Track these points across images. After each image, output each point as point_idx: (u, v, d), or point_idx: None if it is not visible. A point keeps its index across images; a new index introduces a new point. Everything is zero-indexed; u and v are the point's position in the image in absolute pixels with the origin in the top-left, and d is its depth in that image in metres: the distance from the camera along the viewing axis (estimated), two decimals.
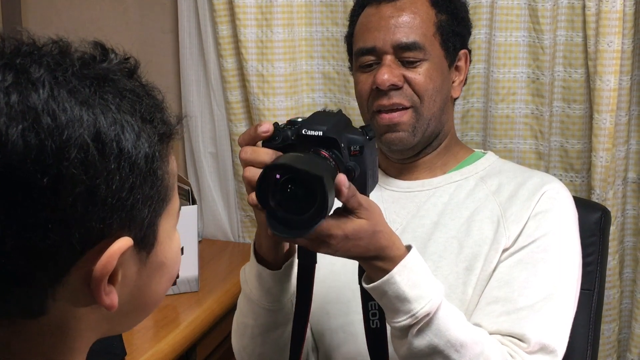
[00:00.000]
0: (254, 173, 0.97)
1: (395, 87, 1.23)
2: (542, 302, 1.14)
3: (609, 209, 1.63)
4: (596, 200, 1.63)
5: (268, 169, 0.91)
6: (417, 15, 1.26)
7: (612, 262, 1.67)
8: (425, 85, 1.24)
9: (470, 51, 1.36)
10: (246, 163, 1.01)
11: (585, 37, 1.63)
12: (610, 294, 1.68)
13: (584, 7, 1.61)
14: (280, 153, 1.00)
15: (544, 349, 1.11)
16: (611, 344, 1.71)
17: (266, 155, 1.00)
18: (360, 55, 1.27)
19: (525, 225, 1.21)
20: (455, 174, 1.31)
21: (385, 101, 1.23)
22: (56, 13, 2.08)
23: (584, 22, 1.62)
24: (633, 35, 1.61)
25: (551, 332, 1.13)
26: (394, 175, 1.34)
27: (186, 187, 1.73)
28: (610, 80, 1.59)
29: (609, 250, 1.65)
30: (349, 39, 1.35)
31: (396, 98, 1.23)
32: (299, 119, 1.02)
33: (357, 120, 1.46)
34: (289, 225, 0.92)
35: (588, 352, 1.40)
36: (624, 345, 1.76)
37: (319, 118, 1.02)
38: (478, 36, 1.71)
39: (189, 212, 1.67)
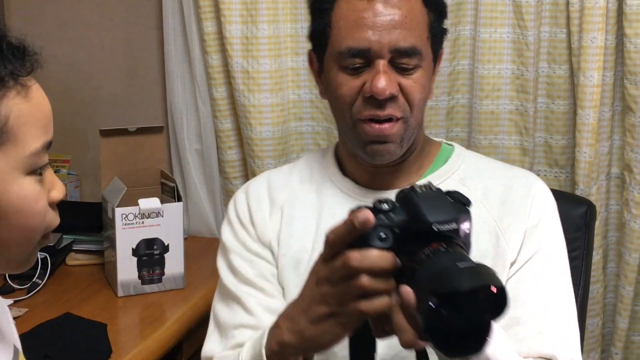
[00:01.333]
0: (375, 285, 0.84)
1: (391, 97, 1.11)
2: (562, 317, 1.14)
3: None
4: (580, 196, 1.64)
5: (459, 295, 0.76)
6: (413, 14, 1.13)
7: (596, 257, 1.68)
8: (418, 95, 1.14)
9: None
10: (358, 271, 0.85)
11: (569, 34, 1.64)
12: (595, 289, 1.70)
13: (567, 3, 1.62)
14: (392, 255, 0.85)
15: None
16: (595, 338, 1.72)
17: (383, 260, 0.85)
18: (349, 57, 1.12)
19: (524, 235, 1.16)
20: (432, 177, 1.22)
21: (379, 112, 1.12)
22: (40, 11, 2.07)
23: (568, 18, 1.63)
24: (616, 32, 1.62)
25: (574, 345, 1.14)
26: (366, 184, 1.22)
27: (171, 184, 1.72)
28: (594, 77, 1.60)
29: (594, 246, 1.67)
30: (321, 29, 1.17)
31: (391, 109, 1.12)
32: (386, 204, 0.86)
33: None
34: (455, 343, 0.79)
35: None
36: (608, 340, 1.77)
37: (432, 203, 0.85)
38: (463, 32, 1.72)
39: (174, 209, 1.66)
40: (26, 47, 0.77)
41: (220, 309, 1.22)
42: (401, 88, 1.12)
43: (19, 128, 0.73)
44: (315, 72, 1.23)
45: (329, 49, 1.15)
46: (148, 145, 1.79)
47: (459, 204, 0.87)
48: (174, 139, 1.95)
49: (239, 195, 1.28)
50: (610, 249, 1.75)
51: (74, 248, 1.83)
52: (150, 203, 1.64)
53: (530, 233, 1.16)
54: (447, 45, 1.70)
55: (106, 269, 1.75)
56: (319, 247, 1.12)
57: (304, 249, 1.19)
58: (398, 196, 0.89)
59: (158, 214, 1.65)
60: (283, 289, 1.20)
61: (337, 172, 1.24)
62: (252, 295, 1.18)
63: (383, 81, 1.09)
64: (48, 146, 0.78)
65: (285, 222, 1.22)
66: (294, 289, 1.13)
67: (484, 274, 0.78)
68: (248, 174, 1.86)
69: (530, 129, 1.71)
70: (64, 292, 1.66)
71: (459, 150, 1.26)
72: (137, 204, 1.63)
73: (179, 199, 1.69)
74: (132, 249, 1.64)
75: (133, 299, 1.65)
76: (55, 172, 2.24)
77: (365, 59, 1.12)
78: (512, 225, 1.16)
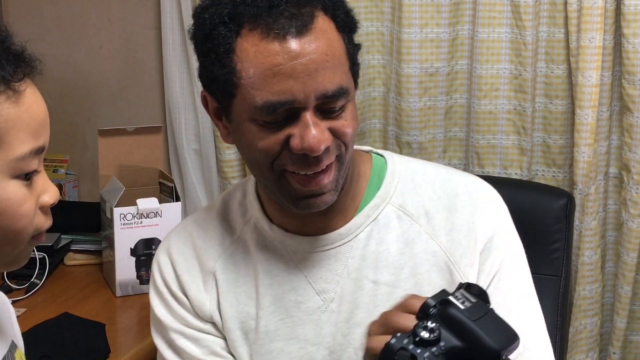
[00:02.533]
0: None
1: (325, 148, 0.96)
2: (534, 329, 1.10)
3: (591, 203, 1.65)
4: (579, 195, 1.64)
5: None
6: (332, 48, 0.96)
7: (594, 256, 1.68)
8: (352, 132, 0.99)
9: None
10: None
11: (567, 34, 1.64)
12: (593, 288, 1.70)
13: (565, 3, 1.62)
14: None
15: None
16: (593, 338, 1.73)
17: None
18: (268, 113, 0.94)
19: (479, 263, 1.07)
20: (370, 208, 1.08)
21: (315, 167, 0.97)
22: (37, 9, 2.06)
23: (566, 18, 1.63)
24: (614, 32, 1.62)
25: (549, 355, 1.11)
26: (297, 230, 1.08)
27: (170, 184, 1.72)
28: (592, 76, 1.60)
29: (591, 245, 1.67)
30: (223, 76, 0.96)
31: (326, 159, 0.97)
32: (429, 333, 0.75)
33: None
34: None
35: (557, 338, 1.42)
36: (606, 339, 1.77)
37: (485, 322, 0.76)
38: (461, 32, 1.72)
39: (173, 209, 1.66)
40: (24, 52, 0.78)
41: None
42: (332, 132, 0.97)
43: (6, 132, 0.74)
44: (213, 114, 1.06)
45: (239, 100, 0.97)
46: (146, 145, 1.79)
47: (486, 300, 0.79)
48: (172, 138, 1.95)
49: (163, 259, 1.13)
50: (608, 248, 1.76)
51: (72, 248, 1.83)
52: (148, 203, 1.64)
53: (487, 256, 1.07)
54: (445, 45, 1.71)
55: (104, 268, 1.74)
56: (263, 313, 1.08)
57: (249, 316, 1.09)
58: (436, 314, 0.77)
59: (156, 213, 1.64)
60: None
61: (262, 218, 1.10)
62: None
63: (315, 136, 0.94)
64: (39, 151, 0.78)
65: (222, 291, 1.10)
66: (246, 359, 1.09)
67: None
68: (246, 173, 1.86)
69: (529, 129, 1.71)
70: (62, 292, 1.66)
71: (391, 166, 1.11)
72: (135, 204, 1.63)
73: (177, 199, 1.69)
74: (131, 248, 1.64)
75: (131, 299, 1.65)
76: (53, 171, 2.24)
77: (287, 111, 0.95)
78: (465, 257, 1.06)
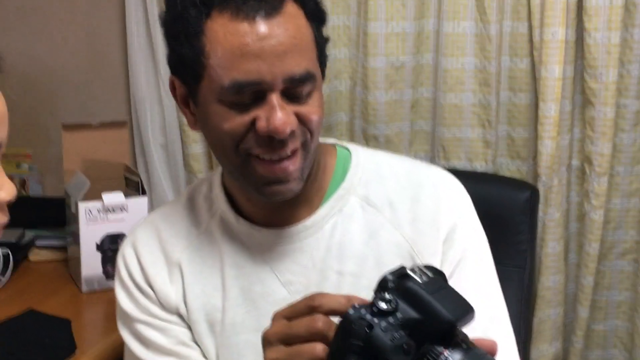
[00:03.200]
0: None
1: (291, 132, 0.96)
2: (498, 319, 1.10)
3: (554, 195, 1.68)
4: (542, 188, 1.66)
5: None
6: (301, 33, 0.97)
7: (557, 247, 1.71)
8: (318, 120, 0.99)
9: None
10: None
11: (530, 28, 1.66)
12: (556, 279, 1.73)
13: None
14: None
15: None
16: (557, 328, 1.75)
17: None
18: (235, 92, 0.95)
19: (442, 254, 1.08)
20: (335, 200, 1.09)
21: (280, 152, 0.97)
22: (0, 3, 2.03)
23: (529, 12, 1.65)
24: (576, 26, 1.65)
25: (512, 346, 1.11)
26: (264, 222, 1.08)
27: (136, 179, 1.71)
28: (555, 70, 1.62)
29: (554, 236, 1.70)
30: (192, 57, 0.97)
31: (291, 144, 0.97)
32: (387, 304, 0.76)
33: None
34: None
35: (521, 328, 1.44)
36: (570, 329, 1.80)
37: (442, 295, 0.77)
38: (427, 26, 1.73)
39: (139, 204, 1.65)
40: None
41: None
42: (298, 117, 0.97)
43: None
44: (180, 100, 1.06)
45: (206, 82, 0.97)
46: (111, 139, 1.77)
47: (444, 279, 0.80)
48: (138, 133, 1.94)
49: (128, 252, 1.13)
50: (571, 239, 1.79)
51: (36, 244, 1.81)
52: (114, 198, 1.63)
53: (449, 245, 1.08)
54: (411, 38, 1.72)
55: (70, 264, 1.73)
56: (229, 305, 1.08)
57: (215, 308, 1.09)
58: (393, 288, 0.78)
59: (122, 208, 1.63)
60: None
61: (229, 210, 1.10)
62: None
63: (281, 118, 0.94)
64: None
65: (188, 282, 1.10)
66: (213, 351, 1.09)
67: None
68: (213, 167, 1.85)
69: (493, 122, 1.73)
70: (26, 288, 1.64)
71: (356, 157, 1.12)
72: (101, 199, 1.62)
73: (144, 193, 1.68)
74: (96, 244, 1.63)
75: (97, 295, 1.63)
76: (16, 166, 2.20)
77: (254, 93, 0.95)
78: (428, 247, 1.07)
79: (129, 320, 1.12)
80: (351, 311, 0.76)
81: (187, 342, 1.10)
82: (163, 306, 1.11)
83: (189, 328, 1.11)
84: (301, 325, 0.81)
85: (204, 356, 1.10)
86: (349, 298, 0.81)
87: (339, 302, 0.81)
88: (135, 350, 1.11)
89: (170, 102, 1.89)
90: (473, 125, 1.74)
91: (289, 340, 0.82)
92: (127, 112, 1.97)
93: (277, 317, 0.85)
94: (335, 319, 0.80)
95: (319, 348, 0.79)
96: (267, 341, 0.84)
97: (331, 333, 0.79)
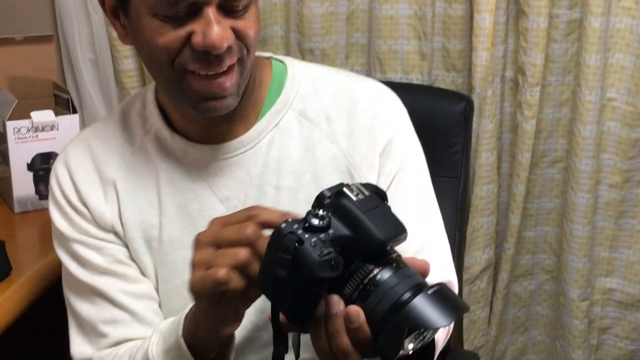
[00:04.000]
0: None
1: (228, 47, 0.95)
2: (435, 234, 1.12)
3: (488, 106, 1.70)
4: (476, 99, 1.68)
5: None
6: None
7: (490, 158, 1.75)
8: (254, 35, 0.97)
9: None
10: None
11: None
12: (489, 188, 1.77)
13: None
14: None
15: (450, 286, 1.12)
16: (489, 235, 1.81)
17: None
18: (170, 5, 0.91)
19: (379, 166, 1.08)
20: (271, 115, 1.08)
21: (216, 67, 0.95)
22: None
23: None
24: None
25: (448, 261, 1.13)
26: (199, 138, 1.07)
27: (65, 96, 1.66)
28: None
29: (488, 147, 1.73)
30: None
31: (228, 59, 0.95)
32: (319, 220, 0.75)
33: None
34: None
35: (456, 236, 1.49)
36: (502, 236, 1.86)
37: (375, 214, 0.77)
38: None
39: (70, 122, 1.61)
40: None
41: (80, 306, 1.09)
42: (235, 32, 0.95)
43: None
44: (109, 11, 1.01)
45: None
46: (37, 55, 1.71)
47: (384, 197, 0.81)
48: (65, 48, 1.87)
49: (61, 171, 1.11)
50: (504, 150, 1.82)
51: None
52: (43, 116, 1.58)
53: (386, 158, 1.09)
54: None
55: (0, 185, 1.69)
56: (166, 222, 1.08)
57: (152, 225, 1.09)
58: (329, 204, 0.78)
59: (53, 127, 1.59)
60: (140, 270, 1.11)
61: (163, 127, 1.09)
62: (113, 285, 1.08)
63: (218, 33, 0.92)
64: None
65: (124, 200, 1.09)
66: (151, 268, 1.10)
67: (452, 301, 0.73)
68: (146, 83, 1.81)
69: (429, 34, 1.72)
70: None
71: (292, 71, 1.11)
72: (29, 117, 1.57)
73: (74, 111, 1.63)
74: (27, 164, 1.59)
75: (31, 215, 1.61)
76: None
77: (190, 6, 0.92)
78: (365, 160, 1.08)
79: (65, 240, 1.11)
80: (283, 225, 0.76)
81: (123, 260, 1.10)
82: (98, 224, 1.10)
83: (126, 246, 1.10)
84: (231, 230, 0.81)
85: (142, 274, 1.11)
86: (286, 213, 0.81)
87: (276, 215, 0.81)
88: (72, 270, 1.10)
89: (98, 16, 1.82)
90: (409, 37, 1.73)
91: (217, 244, 0.82)
92: (53, 26, 1.89)
93: (214, 222, 0.85)
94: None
95: (243, 253, 0.79)
96: (198, 242, 0.84)
97: (260, 242, 0.79)
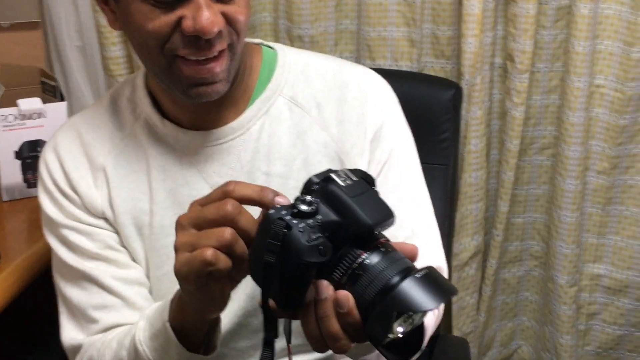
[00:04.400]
0: None
1: (218, 32, 0.95)
2: (425, 221, 1.12)
3: (477, 93, 1.70)
4: (465, 86, 1.69)
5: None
6: None
7: (479, 144, 1.75)
8: (244, 20, 0.97)
9: None
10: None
11: None
12: (478, 175, 1.78)
13: None
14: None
15: (440, 272, 1.12)
16: (478, 222, 1.82)
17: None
18: None
19: (370, 153, 1.09)
20: (261, 101, 1.08)
21: (206, 52, 0.95)
22: None
23: None
24: None
25: (438, 248, 1.13)
26: (190, 124, 1.07)
27: (53, 83, 1.65)
28: None
29: (477, 134, 1.74)
30: None
31: (218, 45, 0.95)
32: (307, 205, 0.76)
33: None
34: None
35: (445, 223, 1.49)
36: (490, 222, 1.87)
37: (363, 200, 0.76)
38: None
39: (57, 109, 1.60)
40: None
41: (70, 292, 1.09)
42: (225, 17, 0.95)
43: None
44: None
45: None
46: (24, 41, 1.70)
47: (371, 183, 0.80)
48: (52, 35, 1.86)
49: (50, 157, 1.11)
50: (493, 136, 1.83)
51: None
52: (31, 103, 1.57)
53: (376, 145, 1.09)
54: None
55: None
56: (157, 208, 1.08)
57: (143, 211, 1.08)
58: (317, 190, 0.78)
59: (40, 114, 1.58)
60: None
61: (153, 113, 1.09)
62: (103, 271, 1.07)
63: (209, 18, 0.92)
64: None
65: (114, 186, 1.09)
66: (141, 254, 1.09)
67: (441, 284, 0.73)
68: (134, 70, 1.80)
69: (418, 20, 1.72)
70: None
71: (282, 57, 1.11)
72: (16, 105, 1.56)
73: (62, 99, 1.62)
74: (15, 151, 1.58)
75: (19, 203, 1.60)
76: None
77: None
78: (355, 147, 1.08)
79: (55, 226, 1.11)
80: (272, 211, 0.76)
81: (114, 246, 1.10)
82: (88, 210, 1.09)
83: (116, 232, 1.10)
84: (211, 208, 0.81)
85: (133, 260, 1.10)
86: (262, 188, 0.81)
87: (252, 189, 0.81)
88: (62, 256, 1.10)
89: (84, 1, 1.81)
90: (398, 24, 1.73)
91: (199, 224, 0.82)
92: (39, 12, 1.88)
93: (193, 204, 0.84)
94: (251, 210, 0.80)
95: (228, 232, 0.79)
96: (180, 225, 0.84)
97: (241, 217, 0.79)
